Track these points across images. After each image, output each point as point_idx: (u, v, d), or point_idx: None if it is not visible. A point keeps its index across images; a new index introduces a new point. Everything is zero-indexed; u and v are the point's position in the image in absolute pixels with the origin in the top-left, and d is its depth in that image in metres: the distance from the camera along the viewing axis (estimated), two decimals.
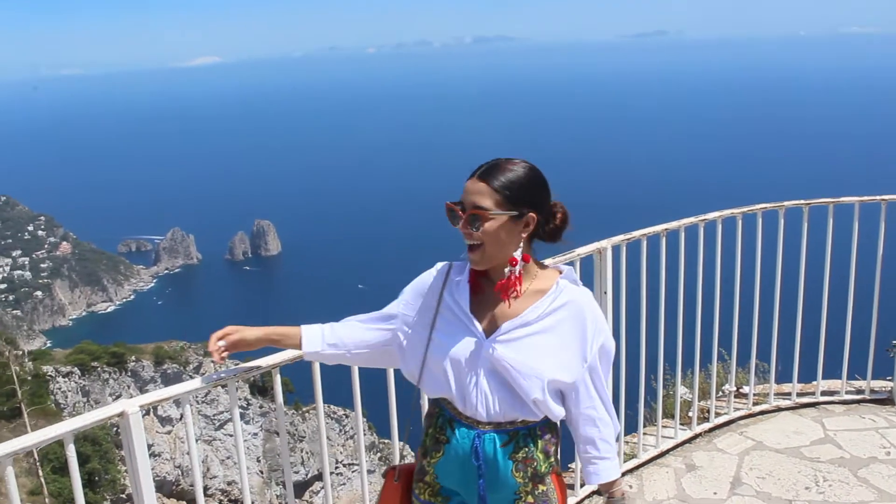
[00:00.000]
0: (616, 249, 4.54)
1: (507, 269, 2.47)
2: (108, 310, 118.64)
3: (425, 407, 3.19)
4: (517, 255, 2.45)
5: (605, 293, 4.44)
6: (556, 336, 2.50)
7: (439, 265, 2.69)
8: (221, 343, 2.71)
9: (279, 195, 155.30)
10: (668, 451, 5.30)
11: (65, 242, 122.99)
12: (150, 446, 34.89)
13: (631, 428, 5.25)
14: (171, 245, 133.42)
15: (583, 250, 4.34)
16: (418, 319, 2.64)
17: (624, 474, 4.97)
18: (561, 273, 2.58)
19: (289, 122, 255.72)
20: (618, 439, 4.89)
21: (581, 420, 2.62)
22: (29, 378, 32.93)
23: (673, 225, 4.91)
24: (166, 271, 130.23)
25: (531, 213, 2.44)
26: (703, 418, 5.60)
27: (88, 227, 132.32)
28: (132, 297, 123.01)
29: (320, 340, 2.76)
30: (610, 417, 2.66)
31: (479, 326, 2.52)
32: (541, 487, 2.59)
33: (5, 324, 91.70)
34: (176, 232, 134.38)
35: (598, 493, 2.85)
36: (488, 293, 2.55)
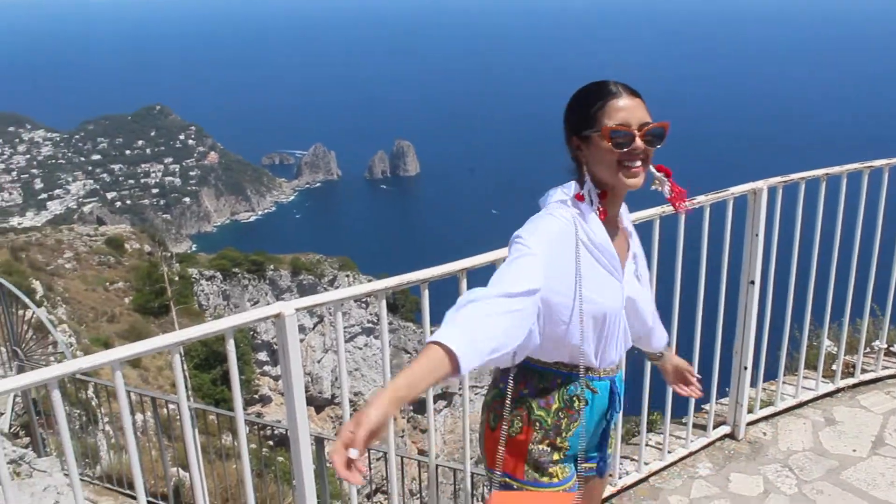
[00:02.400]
0: (772, 191, 4.34)
1: (660, 185, 2.45)
2: (250, 219, 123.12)
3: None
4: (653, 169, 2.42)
5: (757, 235, 4.27)
6: (640, 258, 2.58)
7: (560, 211, 2.34)
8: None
9: (420, 117, 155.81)
10: (806, 403, 5.12)
11: (213, 152, 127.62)
12: None
13: (771, 375, 5.08)
14: (312, 160, 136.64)
15: (737, 190, 4.17)
16: (562, 279, 2.29)
17: (758, 421, 4.85)
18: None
19: (434, 45, 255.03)
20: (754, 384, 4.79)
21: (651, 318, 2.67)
22: (176, 279, 34.61)
23: (835, 170, 4.64)
24: (307, 185, 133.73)
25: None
26: (848, 373, 5.37)
27: (236, 138, 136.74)
28: (273, 208, 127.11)
29: (477, 358, 2.02)
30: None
31: (621, 267, 2.43)
32: None
33: (156, 226, 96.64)
34: (318, 148, 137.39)
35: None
36: (610, 224, 2.43)
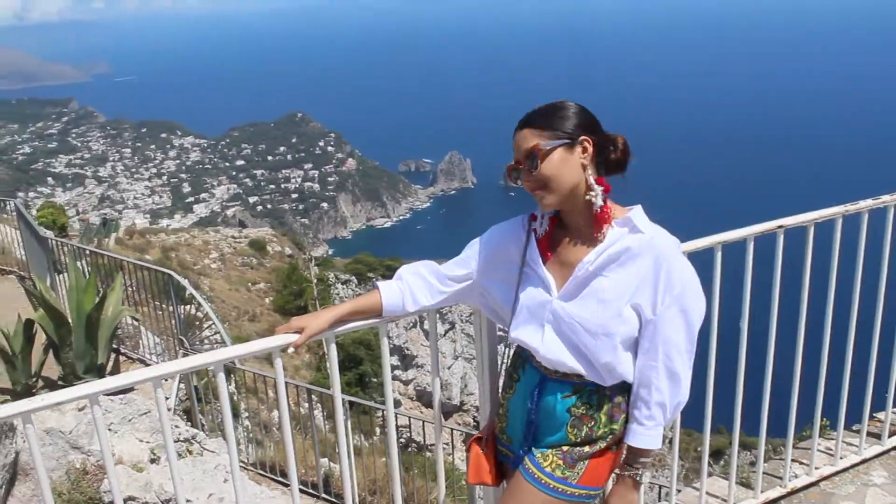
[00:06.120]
0: None
1: (589, 198, 2.34)
2: (385, 225, 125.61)
3: None
4: (591, 180, 2.33)
5: None
6: (626, 278, 2.33)
7: (516, 218, 2.61)
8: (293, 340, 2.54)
9: None
10: None
11: (350, 159, 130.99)
12: (413, 357, 36.86)
13: None
14: (448, 168, 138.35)
15: None
16: (500, 274, 2.59)
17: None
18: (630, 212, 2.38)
19: (573, 54, 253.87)
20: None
21: (639, 376, 2.41)
22: (314, 281, 35.53)
23: None
24: (441, 192, 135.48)
25: (584, 137, 2.32)
26: None
27: (373, 145, 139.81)
28: (408, 214, 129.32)
29: (401, 309, 2.66)
30: (671, 384, 2.38)
31: (552, 282, 2.43)
32: (580, 464, 2.46)
33: (294, 230, 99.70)
34: (454, 155, 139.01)
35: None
36: (563, 251, 2.44)
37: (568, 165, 2.30)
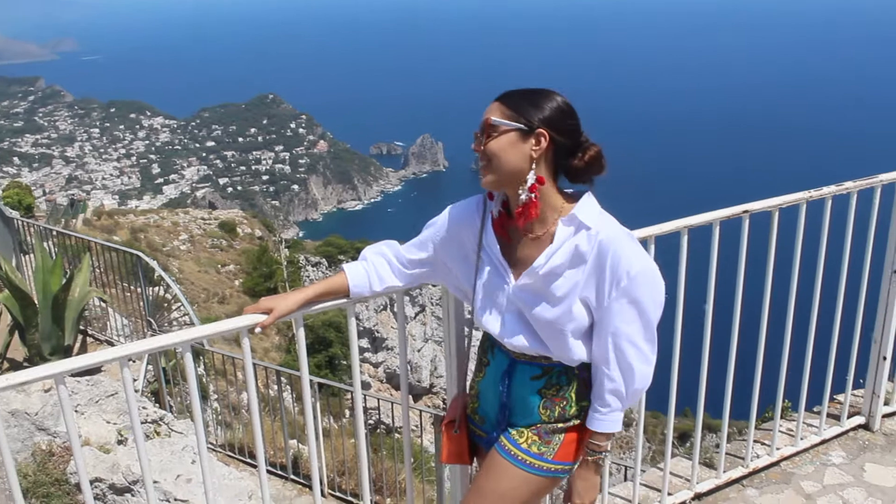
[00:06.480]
0: None
1: (520, 192, 2.29)
2: (357, 207, 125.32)
3: None
4: (530, 176, 2.27)
5: None
6: (574, 276, 2.31)
7: (471, 199, 2.57)
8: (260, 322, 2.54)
9: None
10: None
11: (322, 141, 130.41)
12: (384, 340, 36.86)
13: None
14: (419, 151, 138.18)
15: (885, 177, 3.93)
16: (459, 254, 2.57)
17: (894, 414, 4.59)
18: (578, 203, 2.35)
19: (545, 36, 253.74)
20: (892, 378, 4.53)
21: (593, 366, 2.45)
22: (284, 264, 35.40)
23: None
24: (413, 176, 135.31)
25: (541, 130, 2.25)
26: None
27: (345, 128, 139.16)
28: (379, 197, 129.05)
29: (368, 290, 2.69)
30: (624, 374, 2.40)
31: (509, 269, 2.42)
32: (555, 438, 2.49)
33: (265, 212, 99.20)
34: (426, 138, 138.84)
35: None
36: (516, 234, 2.42)
37: (515, 151, 2.26)
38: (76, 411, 5.16)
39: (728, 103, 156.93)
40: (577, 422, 2.49)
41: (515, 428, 2.52)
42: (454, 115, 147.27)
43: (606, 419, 2.45)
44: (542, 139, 2.26)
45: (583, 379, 2.47)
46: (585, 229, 2.29)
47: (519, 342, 2.43)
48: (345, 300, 2.69)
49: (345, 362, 30.98)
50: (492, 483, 2.53)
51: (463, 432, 2.70)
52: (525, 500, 2.53)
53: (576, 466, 2.55)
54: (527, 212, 2.29)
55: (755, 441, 4.23)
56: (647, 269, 2.31)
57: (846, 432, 4.49)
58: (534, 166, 2.28)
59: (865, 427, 4.53)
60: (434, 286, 2.84)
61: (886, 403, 4.56)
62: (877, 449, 4.36)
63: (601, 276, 2.30)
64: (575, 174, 2.34)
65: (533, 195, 2.28)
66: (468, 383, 2.77)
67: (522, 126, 2.26)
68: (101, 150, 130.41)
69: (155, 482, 4.47)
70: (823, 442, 4.39)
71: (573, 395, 2.47)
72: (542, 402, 2.47)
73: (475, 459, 2.77)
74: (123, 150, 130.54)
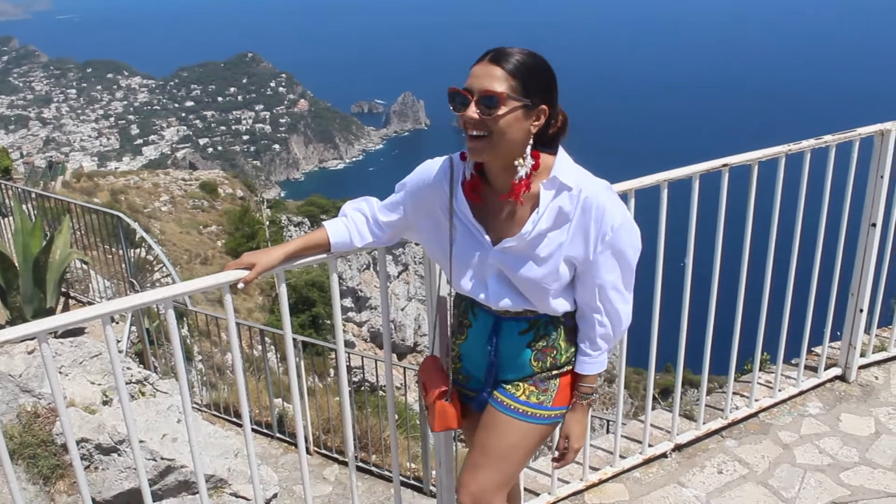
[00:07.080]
0: None
1: (519, 168, 2.25)
2: (338, 167, 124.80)
3: None
4: (528, 150, 2.24)
5: (882, 177, 4.06)
6: (559, 237, 2.31)
7: (440, 160, 2.49)
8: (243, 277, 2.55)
9: None
10: None
11: (302, 100, 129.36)
12: (367, 299, 36.93)
13: (886, 321, 4.89)
14: (401, 109, 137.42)
15: (864, 131, 3.96)
16: (432, 218, 2.51)
17: (870, 365, 4.67)
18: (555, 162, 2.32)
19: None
20: (868, 330, 4.59)
21: (580, 314, 2.49)
22: (266, 224, 35.28)
23: None
24: (395, 134, 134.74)
25: (543, 106, 2.22)
26: None
27: (325, 87, 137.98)
28: (361, 156, 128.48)
29: (349, 245, 2.71)
30: (612, 318, 2.46)
31: (484, 232, 2.39)
32: (551, 385, 2.52)
33: (246, 172, 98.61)
34: (407, 96, 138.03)
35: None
36: (489, 196, 2.37)
37: (518, 126, 2.20)
38: (60, 373, 5.16)
39: (710, 61, 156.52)
40: (568, 367, 2.53)
41: (510, 383, 2.54)
42: (435, 72, 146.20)
43: (596, 361, 2.51)
44: (542, 115, 2.24)
45: (569, 327, 2.50)
46: (567, 190, 2.28)
47: (504, 303, 2.43)
48: (326, 255, 2.70)
49: (328, 322, 30.97)
50: (497, 440, 2.55)
51: (454, 400, 2.67)
52: (531, 449, 2.59)
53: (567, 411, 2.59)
54: (520, 187, 2.28)
55: (734, 393, 4.29)
56: (627, 220, 2.33)
57: (823, 384, 4.57)
58: (531, 141, 2.26)
59: (842, 378, 4.60)
60: (417, 245, 2.82)
61: (863, 355, 4.63)
62: (853, 399, 4.44)
63: (587, 233, 2.30)
64: (548, 140, 2.32)
65: (529, 168, 2.26)
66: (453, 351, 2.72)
67: (528, 103, 2.20)
68: (79, 112, 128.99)
69: (141, 442, 4.50)
70: (801, 393, 4.46)
71: (562, 344, 2.50)
72: (534, 354, 2.49)
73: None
74: (101, 111, 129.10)
